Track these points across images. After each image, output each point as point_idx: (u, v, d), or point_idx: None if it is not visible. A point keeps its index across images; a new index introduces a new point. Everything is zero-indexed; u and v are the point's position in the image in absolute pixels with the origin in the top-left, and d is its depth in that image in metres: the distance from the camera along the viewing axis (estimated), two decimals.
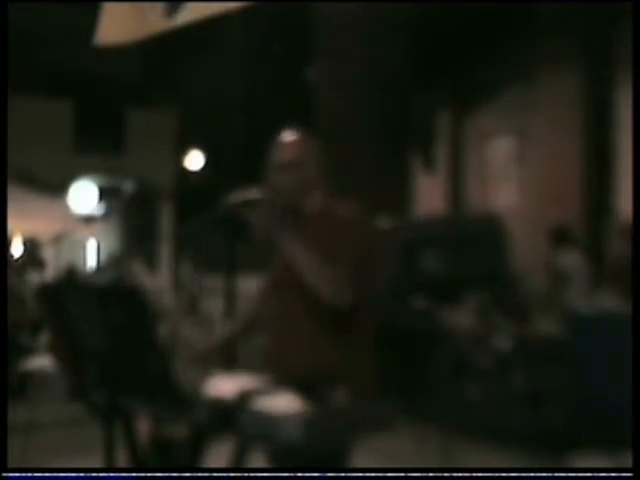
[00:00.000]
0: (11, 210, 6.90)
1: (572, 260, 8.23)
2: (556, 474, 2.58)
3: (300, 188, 2.93)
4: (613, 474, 2.59)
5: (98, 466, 2.72)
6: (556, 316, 7.09)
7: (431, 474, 2.53)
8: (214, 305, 7.76)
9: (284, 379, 2.52)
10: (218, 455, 2.69)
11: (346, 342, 2.84)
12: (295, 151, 2.96)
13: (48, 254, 18.34)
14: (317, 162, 3.00)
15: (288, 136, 3.01)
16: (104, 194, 17.68)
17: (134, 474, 2.66)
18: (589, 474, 2.61)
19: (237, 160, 16.31)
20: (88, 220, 17.64)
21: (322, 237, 2.84)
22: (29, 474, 2.60)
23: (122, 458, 2.81)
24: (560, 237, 8.46)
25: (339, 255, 2.75)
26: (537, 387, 6.78)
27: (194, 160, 18.61)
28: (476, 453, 5.78)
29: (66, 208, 17.00)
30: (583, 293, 7.76)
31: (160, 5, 6.23)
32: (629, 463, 3.03)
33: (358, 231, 2.90)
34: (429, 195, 13.36)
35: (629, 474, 2.71)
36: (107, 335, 2.58)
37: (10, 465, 3.30)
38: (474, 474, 2.51)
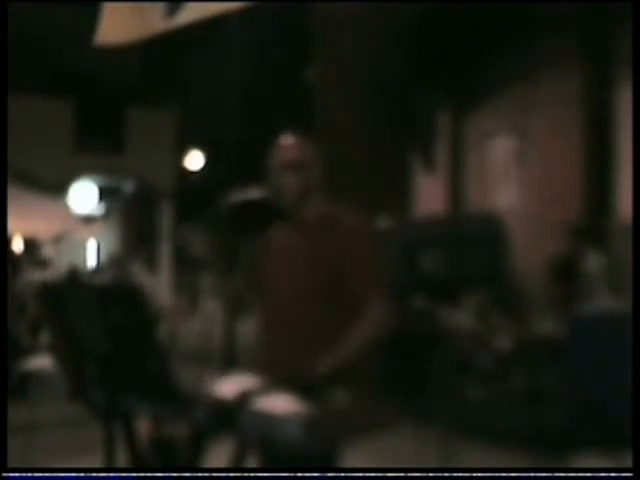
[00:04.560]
0: (11, 210, 6.89)
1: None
2: (556, 474, 2.58)
3: (303, 190, 2.91)
4: (613, 474, 2.58)
5: (98, 466, 2.72)
6: (556, 316, 7.08)
7: (431, 474, 2.53)
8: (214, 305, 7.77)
9: (283, 380, 2.52)
10: (218, 455, 2.69)
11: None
12: (298, 153, 2.93)
13: (48, 254, 18.33)
14: (319, 165, 2.99)
15: (290, 138, 2.99)
16: (104, 194, 17.65)
17: (134, 474, 2.66)
18: (589, 474, 2.61)
19: (237, 160, 16.31)
20: (88, 220, 17.61)
21: (324, 241, 2.84)
22: (29, 474, 2.60)
23: (122, 458, 2.81)
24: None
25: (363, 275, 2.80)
26: (537, 387, 6.78)
27: (194, 160, 18.61)
28: (476, 453, 5.77)
29: (66, 208, 16.98)
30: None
31: (160, 5, 6.23)
32: (629, 463, 3.03)
33: (360, 235, 2.90)
34: (429, 195, 13.36)
35: (629, 474, 2.71)
36: (107, 335, 2.58)
37: (10, 465, 3.29)
38: (474, 474, 2.51)
